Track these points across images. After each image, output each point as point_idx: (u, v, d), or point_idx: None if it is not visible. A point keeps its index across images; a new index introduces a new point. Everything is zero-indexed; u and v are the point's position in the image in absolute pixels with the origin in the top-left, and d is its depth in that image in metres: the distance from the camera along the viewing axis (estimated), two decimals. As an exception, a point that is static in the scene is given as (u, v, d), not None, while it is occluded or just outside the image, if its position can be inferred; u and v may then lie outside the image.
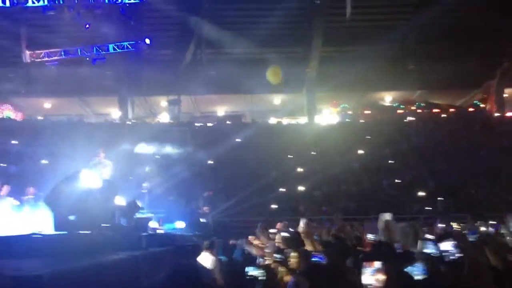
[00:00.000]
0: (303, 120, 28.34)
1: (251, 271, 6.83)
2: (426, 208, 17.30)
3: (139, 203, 9.73)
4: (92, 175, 6.62)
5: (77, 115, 29.15)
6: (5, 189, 12.20)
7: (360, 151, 22.52)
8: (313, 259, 6.64)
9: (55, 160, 19.61)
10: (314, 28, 25.03)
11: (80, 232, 6.05)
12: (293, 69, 25.60)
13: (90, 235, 5.94)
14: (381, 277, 4.02)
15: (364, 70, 24.40)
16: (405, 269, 4.46)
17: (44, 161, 20.62)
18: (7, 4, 20.56)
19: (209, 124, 26.70)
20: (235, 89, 26.11)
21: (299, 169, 21.24)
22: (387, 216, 10.25)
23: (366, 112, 28.73)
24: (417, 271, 4.46)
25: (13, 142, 20.61)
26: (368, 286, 4.06)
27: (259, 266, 7.27)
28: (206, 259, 8.40)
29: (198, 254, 9.00)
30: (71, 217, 6.18)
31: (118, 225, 7.90)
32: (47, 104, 29.09)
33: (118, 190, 7.87)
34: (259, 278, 6.71)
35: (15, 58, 23.82)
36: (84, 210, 6.28)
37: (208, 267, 8.23)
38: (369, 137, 23.66)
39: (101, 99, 28.42)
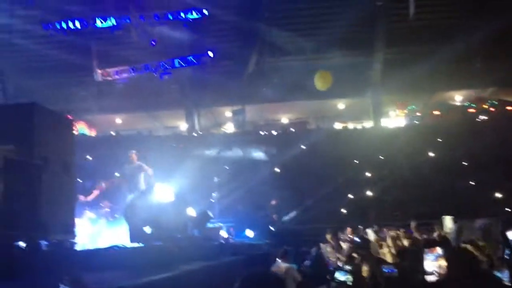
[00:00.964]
0: (369, 124, 27.85)
1: (339, 276, 6.82)
2: (505, 209, 16.51)
3: (210, 213, 9.94)
4: (165, 189, 6.84)
5: (147, 129, 30.09)
6: (95, 193, 12.77)
7: (431, 154, 21.85)
8: (384, 271, 6.53)
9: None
10: (376, 30, 24.58)
11: (155, 243, 6.27)
12: (357, 72, 25.23)
13: (166, 246, 6.12)
14: (444, 263, 3.90)
15: (431, 69, 23.64)
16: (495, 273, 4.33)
17: (117, 175, 21.42)
18: (78, 26, 21.59)
19: (274, 132, 26.78)
20: (298, 95, 26.01)
21: (367, 174, 20.89)
22: (449, 219, 9.91)
23: (435, 112, 27.83)
24: (504, 278, 4.30)
25: (87, 157, 21.50)
26: (429, 277, 3.94)
27: (346, 271, 7.25)
28: (280, 267, 8.45)
29: (270, 262, 9.07)
30: (147, 229, 6.40)
31: (191, 236, 8.10)
32: (118, 120, 30.20)
33: (190, 202, 8.06)
34: (347, 283, 6.68)
35: (86, 77, 24.92)
36: (158, 222, 6.49)
37: (282, 275, 8.27)
38: (439, 138, 22.90)
39: (168, 113, 29.18)
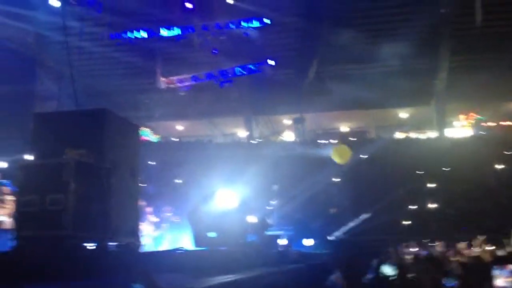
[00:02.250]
0: (432, 134, 27.09)
1: (386, 269, 6.81)
2: None
3: (269, 221, 9.98)
4: (228, 195, 6.97)
5: (207, 135, 30.57)
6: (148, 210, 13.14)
7: (498, 166, 21.01)
8: (445, 285, 6.38)
9: (189, 179, 20.76)
10: (441, 37, 23.93)
11: (219, 248, 6.38)
12: (421, 81, 24.64)
13: (229, 251, 6.20)
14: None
15: (499, 78, 22.73)
16: None
17: (178, 181, 21.91)
18: (144, 35, 22.29)
19: (333, 141, 26.51)
20: (358, 105, 25.69)
21: (430, 186, 20.33)
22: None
23: (504, 123, 26.70)
24: None
25: (150, 163, 22.05)
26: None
27: (391, 264, 7.22)
28: (339, 278, 8.36)
29: (329, 272, 8.98)
30: (211, 234, 6.52)
31: (252, 242, 8.16)
32: (179, 127, 30.86)
33: (252, 209, 8.15)
34: (391, 277, 6.66)
35: (150, 85, 25.69)
36: (221, 228, 6.60)
37: (341, 286, 8.17)
38: (506, 151, 21.99)
39: (228, 120, 29.54)
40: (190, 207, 7.14)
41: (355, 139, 27.09)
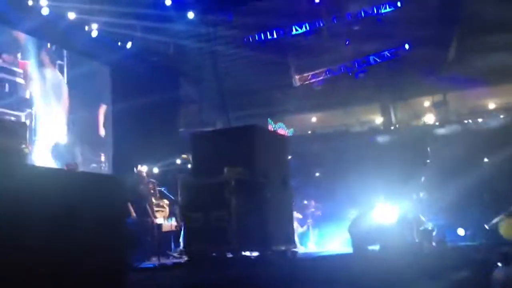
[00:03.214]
0: None
1: None
2: None
3: (422, 217, 9.66)
4: (387, 210, 6.87)
5: (342, 125, 30.32)
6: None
7: None
8: None
9: (328, 171, 20.83)
10: None
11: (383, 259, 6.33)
12: None
13: (390, 261, 6.13)
14: None
15: None
16: None
17: (317, 174, 22.04)
18: (275, 35, 22.70)
19: (480, 120, 24.82)
20: (507, 77, 23.65)
21: None
22: None
23: None
24: None
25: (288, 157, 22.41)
26: None
27: None
28: (502, 273, 7.81)
29: (492, 267, 8.42)
30: (374, 247, 6.50)
31: (407, 243, 7.96)
32: (314, 119, 31.01)
33: (410, 223, 7.89)
34: None
35: (284, 81, 26.11)
36: (380, 241, 6.57)
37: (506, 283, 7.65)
38: None
39: (363, 108, 29.03)
40: (352, 221, 7.19)
41: (505, 116, 25.07)
